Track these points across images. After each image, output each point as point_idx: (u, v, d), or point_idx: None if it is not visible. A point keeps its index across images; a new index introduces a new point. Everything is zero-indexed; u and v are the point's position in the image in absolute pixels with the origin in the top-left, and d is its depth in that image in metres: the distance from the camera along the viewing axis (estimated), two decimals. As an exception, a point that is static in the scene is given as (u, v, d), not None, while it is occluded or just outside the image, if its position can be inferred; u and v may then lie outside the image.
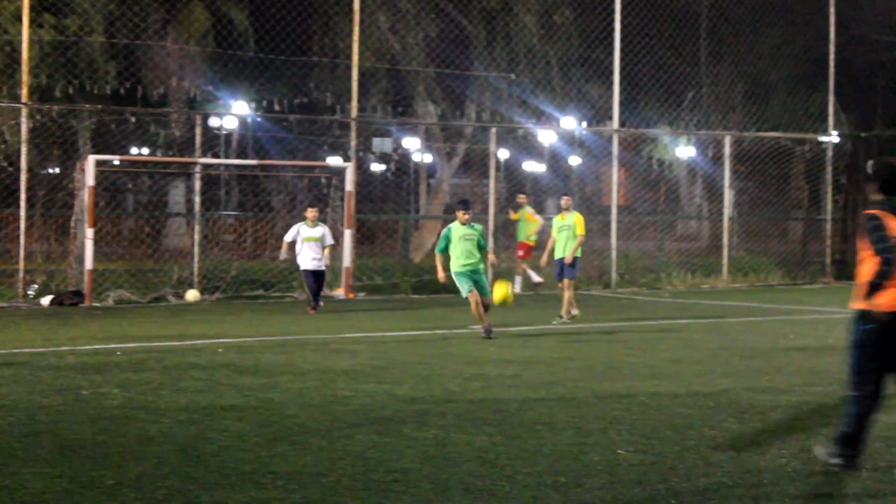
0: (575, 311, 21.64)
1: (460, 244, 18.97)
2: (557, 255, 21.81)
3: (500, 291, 19.22)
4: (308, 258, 23.60)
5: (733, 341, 18.71)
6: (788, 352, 17.29)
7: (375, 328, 20.65)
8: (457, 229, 19.07)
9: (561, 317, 21.56)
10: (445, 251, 19.13)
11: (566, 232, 21.68)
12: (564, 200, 22.32)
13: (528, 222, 29.11)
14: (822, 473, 9.12)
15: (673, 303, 26.93)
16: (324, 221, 25.12)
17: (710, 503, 8.22)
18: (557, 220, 22.06)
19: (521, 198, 29.89)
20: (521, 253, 29.23)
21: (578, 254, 21.73)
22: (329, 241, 23.81)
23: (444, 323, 21.16)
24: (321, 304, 23.89)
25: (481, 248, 19.25)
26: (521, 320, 22.04)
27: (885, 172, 9.61)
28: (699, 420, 11.29)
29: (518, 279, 28.61)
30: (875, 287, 9.03)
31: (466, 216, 19.15)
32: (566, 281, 21.67)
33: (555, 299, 25.96)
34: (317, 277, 23.74)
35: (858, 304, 9.18)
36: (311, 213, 23.89)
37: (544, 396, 12.68)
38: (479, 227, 19.62)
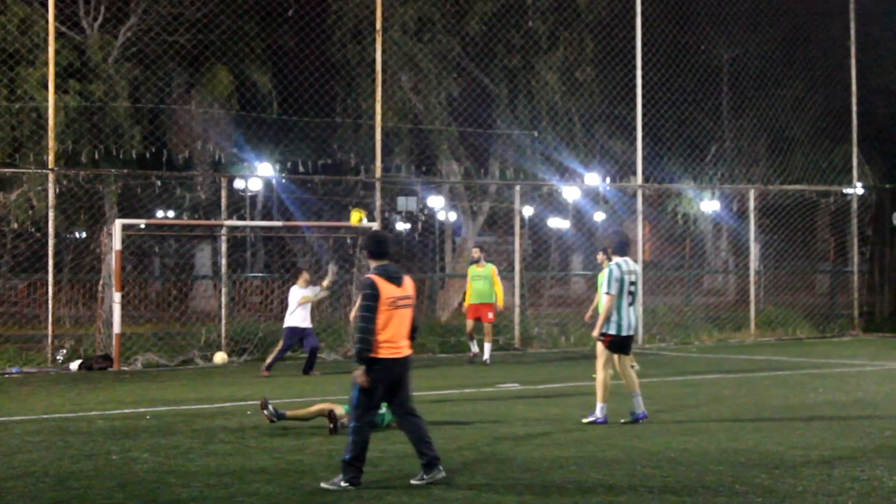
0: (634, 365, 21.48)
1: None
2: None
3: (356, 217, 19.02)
4: (299, 317, 23.15)
5: (762, 396, 18.63)
6: (818, 406, 17.21)
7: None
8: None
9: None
10: None
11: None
12: (600, 256, 21.91)
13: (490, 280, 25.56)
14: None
15: (701, 358, 26.79)
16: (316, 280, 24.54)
17: (743, 561, 8.18)
18: (601, 278, 21.81)
19: (476, 252, 25.96)
20: (490, 316, 25.33)
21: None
22: (319, 291, 23.47)
23: (472, 381, 21.10)
24: (267, 372, 22.92)
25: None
26: (547, 378, 21.98)
27: (370, 242, 11.35)
28: (730, 476, 11.25)
29: (488, 346, 25.40)
30: (366, 343, 10.81)
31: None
32: None
33: (580, 356, 25.87)
34: (305, 337, 23.21)
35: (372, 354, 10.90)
36: (304, 276, 23.44)
37: (574, 455, 12.65)
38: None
